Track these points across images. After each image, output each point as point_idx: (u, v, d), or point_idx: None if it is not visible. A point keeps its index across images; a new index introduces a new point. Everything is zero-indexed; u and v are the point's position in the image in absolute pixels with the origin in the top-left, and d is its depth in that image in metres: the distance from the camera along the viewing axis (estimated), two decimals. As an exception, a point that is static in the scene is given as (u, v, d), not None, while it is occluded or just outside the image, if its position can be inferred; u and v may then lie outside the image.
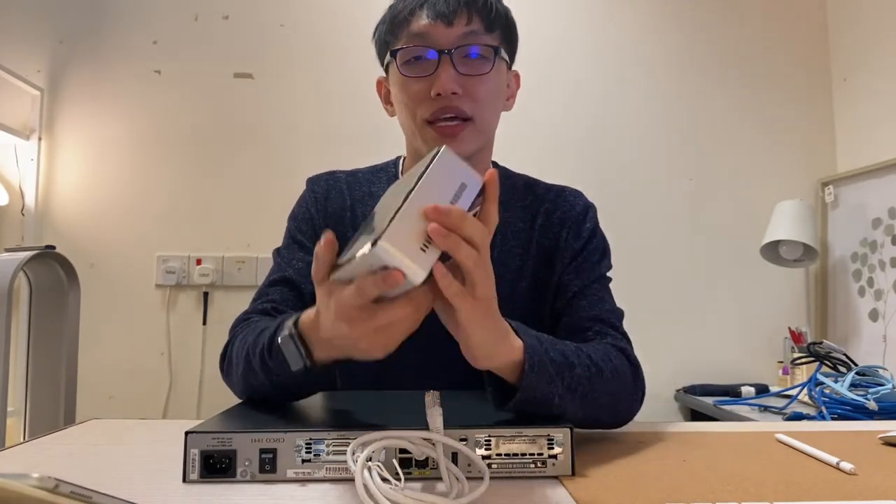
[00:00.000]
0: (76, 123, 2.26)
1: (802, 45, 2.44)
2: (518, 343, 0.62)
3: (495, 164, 1.00)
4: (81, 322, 1.79)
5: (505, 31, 0.89)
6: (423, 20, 0.84)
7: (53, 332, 1.75)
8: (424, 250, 0.48)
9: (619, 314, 0.89)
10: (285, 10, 2.33)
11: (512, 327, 0.62)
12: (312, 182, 1.01)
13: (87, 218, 2.23)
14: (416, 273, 0.48)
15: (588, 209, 0.97)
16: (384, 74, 0.95)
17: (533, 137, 2.26)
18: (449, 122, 0.85)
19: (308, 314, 0.64)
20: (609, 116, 2.36)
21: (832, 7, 2.44)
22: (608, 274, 0.94)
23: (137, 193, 2.24)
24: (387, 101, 0.97)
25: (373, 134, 2.17)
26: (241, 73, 2.31)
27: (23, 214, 2.19)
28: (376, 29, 0.92)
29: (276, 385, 0.70)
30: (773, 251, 2.24)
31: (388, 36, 0.89)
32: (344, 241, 0.58)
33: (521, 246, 0.94)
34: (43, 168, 2.23)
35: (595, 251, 0.94)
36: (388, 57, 0.90)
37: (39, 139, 2.22)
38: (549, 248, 0.94)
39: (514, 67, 0.96)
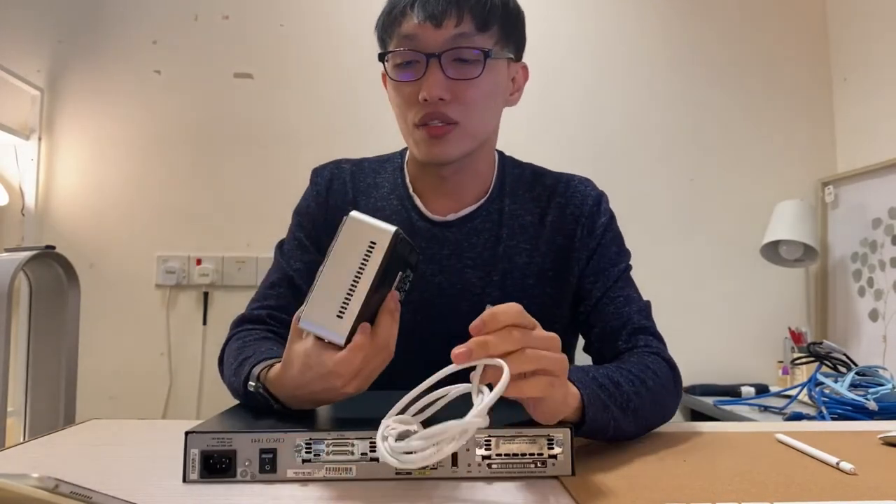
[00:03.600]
0: (76, 123, 2.26)
1: (802, 45, 2.44)
2: (573, 389, 0.62)
3: (501, 155, 0.99)
4: (81, 322, 1.79)
5: (504, 26, 0.86)
6: (412, 21, 0.82)
7: (53, 332, 1.75)
8: (341, 317, 0.56)
9: (647, 310, 0.89)
10: (285, 10, 2.33)
11: None
12: (316, 174, 1.00)
13: (87, 218, 2.23)
14: (337, 337, 0.57)
15: (601, 200, 0.95)
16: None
17: (531, 137, 2.26)
18: (437, 125, 0.83)
19: (275, 369, 0.66)
20: (608, 116, 2.36)
21: (832, 7, 2.44)
22: (629, 263, 0.93)
23: (137, 193, 2.24)
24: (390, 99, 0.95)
25: (373, 133, 2.17)
26: (241, 73, 2.30)
27: (23, 214, 2.19)
28: (377, 21, 0.91)
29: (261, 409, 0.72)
30: (773, 251, 2.24)
31: (383, 34, 0.88)
32: None
33: (528, 241, 0.92)
34: (43, 168, 2.23)
35: (611, 245, 0.92)
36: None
37: (39, 139, 2.22)
38: (562, 245, 0.92)
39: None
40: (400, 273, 0.60)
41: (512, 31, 0.88)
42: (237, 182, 2.25)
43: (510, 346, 0.52)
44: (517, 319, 0.54)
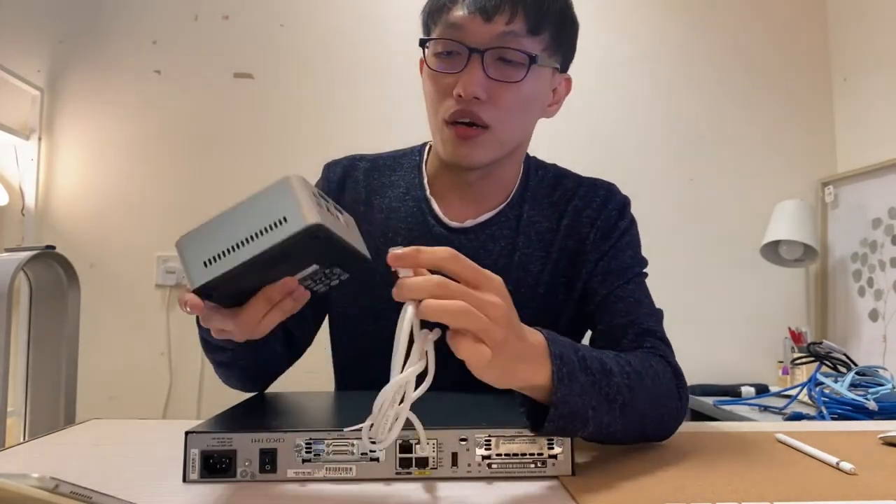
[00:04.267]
0: (76, 123, 2.26)
1: (802, 45, 2.44)
2: (544, 364, 0.56)
3: (526, 157, 0.95)
4: (81, 322, 1.79)
5: (557, 33, 0.81)
6: (461, 10, 0.77)
7: (53, 332, 1.75)
8: (207, 265, 0.50)
9: (658, 316, 0.83)
10: (285, 10, 2.33)
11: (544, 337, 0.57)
12: (328, 168, 0.96)
13: (87, 218, 2.23)
14: (190, 282, 0.51)
15: (623, 205, 0.91)
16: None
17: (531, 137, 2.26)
18: (466, 125, 0.79)
19: None
20: (609, 116, 2.36)
21: (832, 7, 2.44)
22: (644, 270, 0.89)
23: (137, 193, 2.24)
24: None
25: (373, 133, 2.17)
26: (241, 73, 2.30)
27: (23, 214, 2.19)
28: (425, 5, 0.84)
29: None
30: (773, 251, 2.24)
31: (429, 19, 0.83)
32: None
33: (543, 248, 0.88)
34: (43, 168, 2.23)
35: (626, 249, 0.88)
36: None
37: (39, 139, 2.22)
38: (573, 249, 0.88)
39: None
40: (314, 266, 0.54)
41: (563, 40, 0.83)
42: (237, 182, 2.25)
43: (440, 293, 0.48)
44: (451, 266, 0.49)
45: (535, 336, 0.56)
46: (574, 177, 0.95)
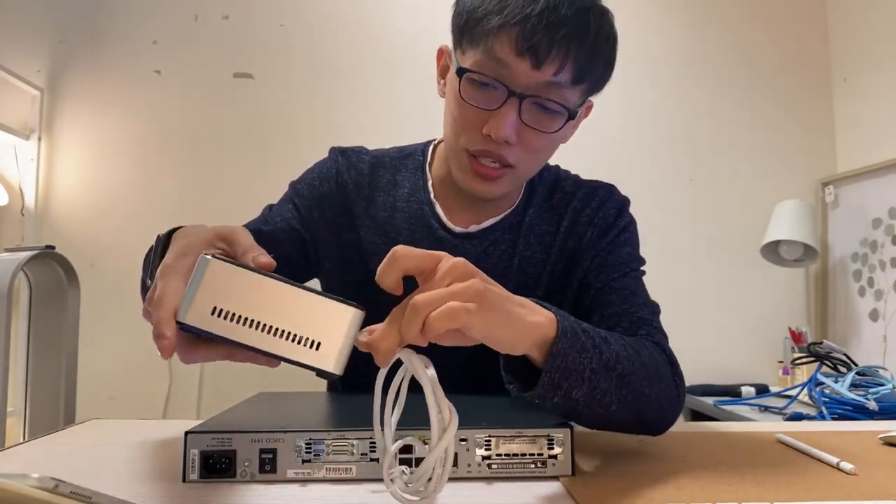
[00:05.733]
0: (76, 123, 2.26)
1: (802, 45, 2.44)
2: (543, 314, 0.54)
3: None
4: (81, 322, 1.79)
5: (598, 78, 0.78)
6: (508, 46, 0.71)
7: (53, 332, 1.75)
8: (213, 313, 0.44)
9: (654, 308, 0.81)
10: (285, 10, 2.33)
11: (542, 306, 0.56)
12: (336, 152, 0.93)
13: (87, 218, 2.23)
14: (184, 319, 0.45)
15: (622, 205, 0.90)
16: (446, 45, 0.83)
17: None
18: (489, 164, 0.77)
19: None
20: (608, 116, 2.36)
21: (832, 7, 2.44)
22: (641, 268, 0.87)
23: (137, 193, 2.24)
24: (441, 75, 0.85)
25: (373, 133, 2.16)
26: (241, 73, 2.30)
27: (22, 214, 2.19)
28: (460, 9, 0.77)
29: None
30: (773, 251, 2.24)
31: (466, 32, 0.75)
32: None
33: (543, 251, 0.88)
34: (43, 168, 2.23)
35: (624, 246, 0.87)
36: (457, 44, 0.78)
37: (39, 139, 2.22)
38: (572, 249, 0.88)
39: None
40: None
41: (600, 87, 0.80)
42: (237, 182, 2.25)
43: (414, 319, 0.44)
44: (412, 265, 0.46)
45: (521, 298, 0.54)
46: (573, 179, 0.95)
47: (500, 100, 0.73)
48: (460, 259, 0.48)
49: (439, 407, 0.45)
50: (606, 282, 0.83)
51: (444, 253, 0.48)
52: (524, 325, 0.52)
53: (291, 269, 0.87)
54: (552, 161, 0.96)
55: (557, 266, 0.88)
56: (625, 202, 0.92)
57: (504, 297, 0.51)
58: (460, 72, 0.75)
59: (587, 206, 0.89)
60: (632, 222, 0.91)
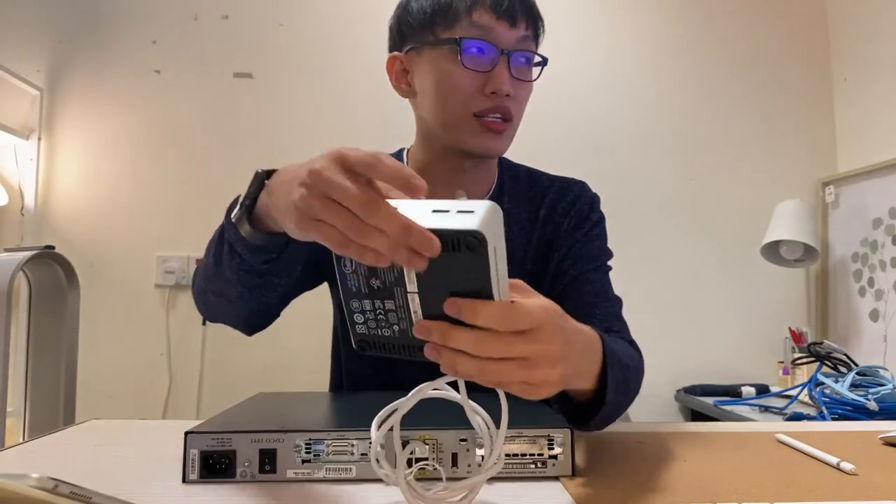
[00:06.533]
0: (76, 123, 2.26)
1: (802, 45, 2.44)
2: (595, 360, 0.62)
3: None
4: (81, 322, 1.79)
5: (542, 32, 0.92)
6: (486, 14, 0.83)
7: (53, 332, 1.75)
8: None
9: (620, 302, 0.92)
10: (285, 10, 2.33)
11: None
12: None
13: (86, 218, 2.23)
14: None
15: (594, 201, 0.98)
16: (395, 52, 0.95)
17: (532, 136, 2.26)
18: (497, 120, 0.85)
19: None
20: (608, 116, 2.36)
21: (832, 7, 2.44)
22: (609, 263, 0.96)
23: (137, 193, 2.24)
24: (399, 80, 0.95)
25: (373, 133, 2.16)
26: (241, 73, 2.30)
27: (22, 214, 2.19)
28: (405, 7, 0.91)
29: (225, 270, 0.74)
30: (773, 251, 2.24)
31: (438, 20, 0.86)
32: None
33: (524, 237, 0.95)
34: (42, 168, 2.23)
35: (596, 240, 0.95)
36: (425, 37, 0.87)
37: (39, 139, 2.22)
38: (549, 237, 0.95)
39: None
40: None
41: (541, 41, 0.94)
42: (237, 182, 2.23)
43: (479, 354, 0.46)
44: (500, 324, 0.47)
45: (588, 332, 0.61)
46: (546, 175, 1.02)
47: (493, 59, 0.84)
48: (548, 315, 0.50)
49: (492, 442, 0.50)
50: (582, 272, 0.91)
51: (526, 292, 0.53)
52: (590, 369, 0.61)
53: (308, 274, 0.90)
54: (550, 158, 1.04)
55: (539, 251, 0.95)
56: (596, 198, 1.00)
57: (580, 347, 0.57)
58: (459, 41, 0.84)
59: (563, 199, 0.97)
60: (603, 218, 0.98)
